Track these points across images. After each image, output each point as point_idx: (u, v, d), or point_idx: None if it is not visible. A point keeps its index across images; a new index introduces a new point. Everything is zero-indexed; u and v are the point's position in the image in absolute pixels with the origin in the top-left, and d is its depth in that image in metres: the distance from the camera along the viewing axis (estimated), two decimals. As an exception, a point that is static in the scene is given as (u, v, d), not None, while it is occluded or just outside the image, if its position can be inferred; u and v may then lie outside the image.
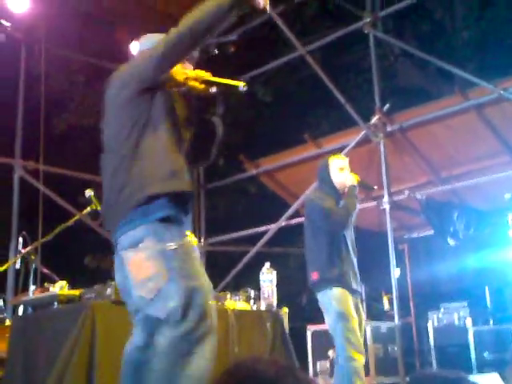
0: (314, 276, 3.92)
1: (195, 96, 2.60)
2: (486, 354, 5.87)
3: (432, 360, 6.48)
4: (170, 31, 2.39)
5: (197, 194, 8.88)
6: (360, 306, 4.00)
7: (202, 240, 8.60)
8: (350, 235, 4.04)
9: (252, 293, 4.37)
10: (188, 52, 2.45)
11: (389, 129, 7.11)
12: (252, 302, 4.35)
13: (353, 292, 3.90)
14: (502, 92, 6.35)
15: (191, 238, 2.40)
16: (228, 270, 8.14)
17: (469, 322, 6.35)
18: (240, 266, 7.91)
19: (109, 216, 2.43)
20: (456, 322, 6.47)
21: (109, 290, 3.50)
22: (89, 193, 4.31)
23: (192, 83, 2.57)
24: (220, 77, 2.64)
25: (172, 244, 2.27)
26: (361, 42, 8.34)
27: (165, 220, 2.30)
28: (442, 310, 6.66)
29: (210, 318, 2.27)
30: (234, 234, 8.35)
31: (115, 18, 7.77)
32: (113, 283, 3.50)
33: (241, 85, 2.58)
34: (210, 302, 2.31)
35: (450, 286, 7.87)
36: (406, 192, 6.91)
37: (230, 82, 2.60)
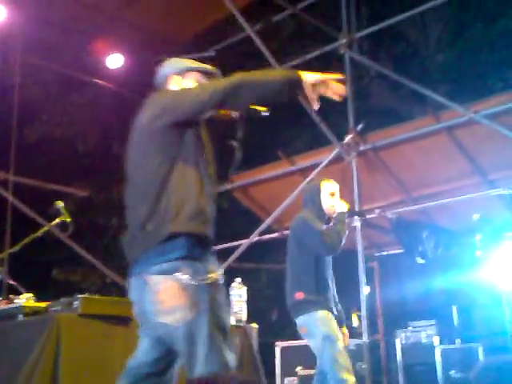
0: (299, 296, 3.92)
1: (218, 121, 2.58)
2: (452, 373, 5.91)
3: (399, 378, 6.51)
4: (221, 81, 2.39)
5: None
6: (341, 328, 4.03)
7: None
8: (329, 261, 4.09)
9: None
10: (228, 107, 2.43)
11: (361, 148, 7.19)
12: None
13: (334, 316, 3.93)
14: (472, 115, 6.47)
15: (219, 274, 2.38)
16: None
17: (436, 340, 6.41)
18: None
19: (132, 246, 2.42)
20: (423, 341, 6.52)
21: (75, 303, 3.44)
22: (58, 204, 4.25)
23: None
24: None
25: (206, 278, 2.27)
26: (337, 63, 8.44)
27: (193, 256, 2.29)
28: (410, 328, 6.71)
29: (230, 351, 2.25)
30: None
31: (91, 30, 7.75)
32: (80, 296, 3.45)
33: (263, 110, 2.57)
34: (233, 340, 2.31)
35: (419, 305, 7.94)
36: (377, 211, 6.98)
37: (252, 107, 2.57)
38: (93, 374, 3.40)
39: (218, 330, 2.25)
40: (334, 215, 4.06)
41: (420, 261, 6.92)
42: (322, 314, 3.84)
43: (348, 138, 7.16)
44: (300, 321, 3.92)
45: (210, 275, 2.30)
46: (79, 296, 3.46)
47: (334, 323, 3.85)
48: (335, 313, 3.95)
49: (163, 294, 2.27)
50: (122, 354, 3.59)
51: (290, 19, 9.87)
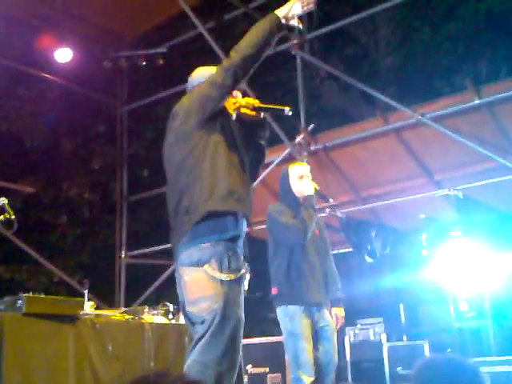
0: (273, 291, 3.93)
1: (247, 121, 2.81)
2: (399, 369, 6.03)
3: (348, 375, 6.61)
4: (224, 62, 2.64)
5: (119, 205, 8.74)
6: (327, 315, 3.94)
7: (123, 252, 8.45)
8: (315, 246, 4.00)
9: (171, 307, 4.33)
10: (243, 78, 2.64)
11: (312, 148, 7.27)
12: (171, 316, 4.30)
13: (315, 305, 3.87)
14: (419, 117, 6.62)
15: (245, 270, 2.55)
16: (150, 283, 8.03)
17: (384, 337, 6.53)
18: (161, 279, 7.80)
19: (173, 237, 2.57)
20: (371, 338, 6.64)
21: (19, 302, 3.37)
22: (2, 201, 4.13)
23: (244, 110, 2.81)
24: (265, 103, 2.88)
25: (230, 275, 2.43)
26: (288, 63, 8.51)
27: (228, 244, 2.46)
28: (358, 326, 6.82)
29: (238, 351, 2.42)
30: (157, 247, 8.24)
31: (39, 23, 7.56)
32: (24, 295, 3.37)
33: (286, 109, 2.77)
34: (241, 337, 2.46)
35: (367, 303, 8.08)
36: (327, 210, 7.06)
37: (276, 107, 2.83)
38: (39, 373, 3.34)
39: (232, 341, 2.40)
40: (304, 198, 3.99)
41: (369, 260, 7.04)
42: (292, 309, 3.82)
43: (299, 138, 7.23)
44: (277, 315, 3.94)
45: (237, 271, 2.46)
46: (23, 295, 3.39)
47: (303, 320, 3.79)
48: (316, 300, 3.87)
49: (191, 285, 2.45)
50: (71, 354, 3.54)
51: (243, 18, 9.87)
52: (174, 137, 2.63)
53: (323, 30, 7.92)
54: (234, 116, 2.80)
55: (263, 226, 6.19)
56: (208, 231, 2.44)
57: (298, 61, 7.59)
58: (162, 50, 8.58)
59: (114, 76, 8.95)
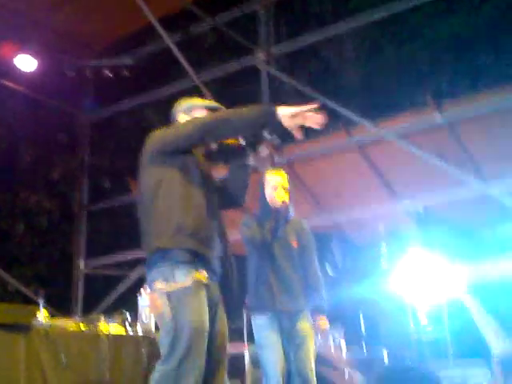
0: (246, 301, 3.91)
1: (228, 149, 2.90)
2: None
3: None
4: (199, 118, 2.70)
5: (78, 215, 8.61)
6: (301, 323, 3.84)
7: (82, 262, 8.32)
8: (287, 254, 3.93)
9: (128, 316, 4.27)
10: (208, 142, 2.75)
11: (276, 161, 7.30)
12: (128, 325, 4.24)
13: (285, 312, 3.81)
14: (382, 132, 6.72)
15: (199, 278, 2.57)
16: (109, 294, 7.92)
17: (343, 344, 6.52)
18: (120, 290, 7.70)
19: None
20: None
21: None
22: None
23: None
24: None
25: (175, 285, 2.51)
26: (254, 76, 8.56)
27: (172, 264, 2.54)
28: (319, 336, 6.80)
29: (197, 356, 2.45)
30: (117, 258, 8.14)
31: (3, 29, 7.46)
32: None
33: (269, 136, 2.86)
34: (202, 343, 2.48)
35: (328, 314, 8.07)
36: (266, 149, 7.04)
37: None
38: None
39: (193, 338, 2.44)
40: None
41: (330, 272, 7.08)
42: (258, 319, 3.81)
43: (263, 151, 7.24)
44: None
45: (185, 282, 2.51)
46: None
47: (269, 330, 3.75)
48: (286, 307, 3.80)
49: (150, 305, 2.69)
50: (22, 363, 3.45)
51: (211, 32, 9.92)
52: (140, 164, 2.74)
53: (288, 45, 8.00)
54: (215, 145, 2.88)
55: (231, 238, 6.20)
56: (159, 259, 2.57)
57: (264, 75, 7.64)
58: (128, 60, 8.55)
59: (78, 85, 8.87)
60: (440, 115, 6.43)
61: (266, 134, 2.86)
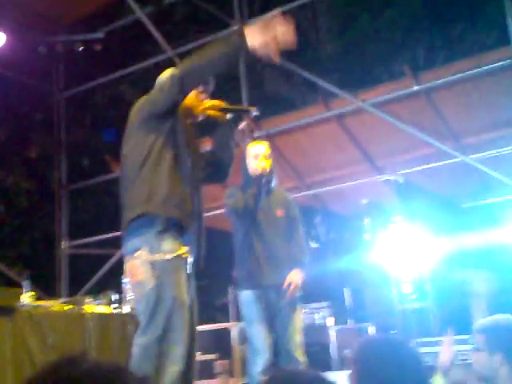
0: (234, 276, 3.89)
1: (214, 122, 2.92)
2: (346, 352, 6.10)
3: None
4: (174, 68, 2.71)
5: (58, 194, 8.48)
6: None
7: (64, 242, 8.22)
8: (275, 226, 3.88)
9: (113, 296, 4.23)
10: (191, 88, 2.69)
11: (256, 134, 7.24)
12: (114, 305, 4.21)
13: (272, 287, 3.77)
14: (360, 103, 6.70)
15: (183, 252, 2.60)
16: (93, 273, 7.86)
17: (330, 321, 6.59)
18: (105, 269, 7.64)
19: (121, 227, 2.71)
20: (318, 322, 6.69)
21: None
22: None
23: (210, 112, 2.90)
24: (230, 104, 2.99)
25: (162, 255, 2.52)
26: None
27: (159, 233, 2.54)
28: (304, 310, 6.86)
29: (180, 328, 2.47)
30: (100, 237, 8.06)
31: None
32: None
33: (252, 109, 2.92)
34: (183, 316, 2.50)
35: (312, 287, 8.13)
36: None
37: (242, 108, 2.99)
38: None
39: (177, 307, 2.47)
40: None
41: (313, 245, 7.10)
42: (244, 294, 3.79)
43: (242, 125, 7.17)
44: None
45: (171, 252, 2.53)
46: None
47: (256, 304, 3.72)
48: (271, 281, 3.75)
49: (129, 273, 2.60)
50: (8, 346, 3.40)
51: (183, 4, 9.73)
52: (126, 134, 2.75)
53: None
54: (200, 118, 2.89)
55: (213, 213, 6.16)
56: (145, 225, 2.56)
57: (240, 47, 7.53)
58: (100, 35, 8.35)
59: (50, 62, 8.66)
60: (417, 84, 6.41)
61: (245, 107, 2.97)
